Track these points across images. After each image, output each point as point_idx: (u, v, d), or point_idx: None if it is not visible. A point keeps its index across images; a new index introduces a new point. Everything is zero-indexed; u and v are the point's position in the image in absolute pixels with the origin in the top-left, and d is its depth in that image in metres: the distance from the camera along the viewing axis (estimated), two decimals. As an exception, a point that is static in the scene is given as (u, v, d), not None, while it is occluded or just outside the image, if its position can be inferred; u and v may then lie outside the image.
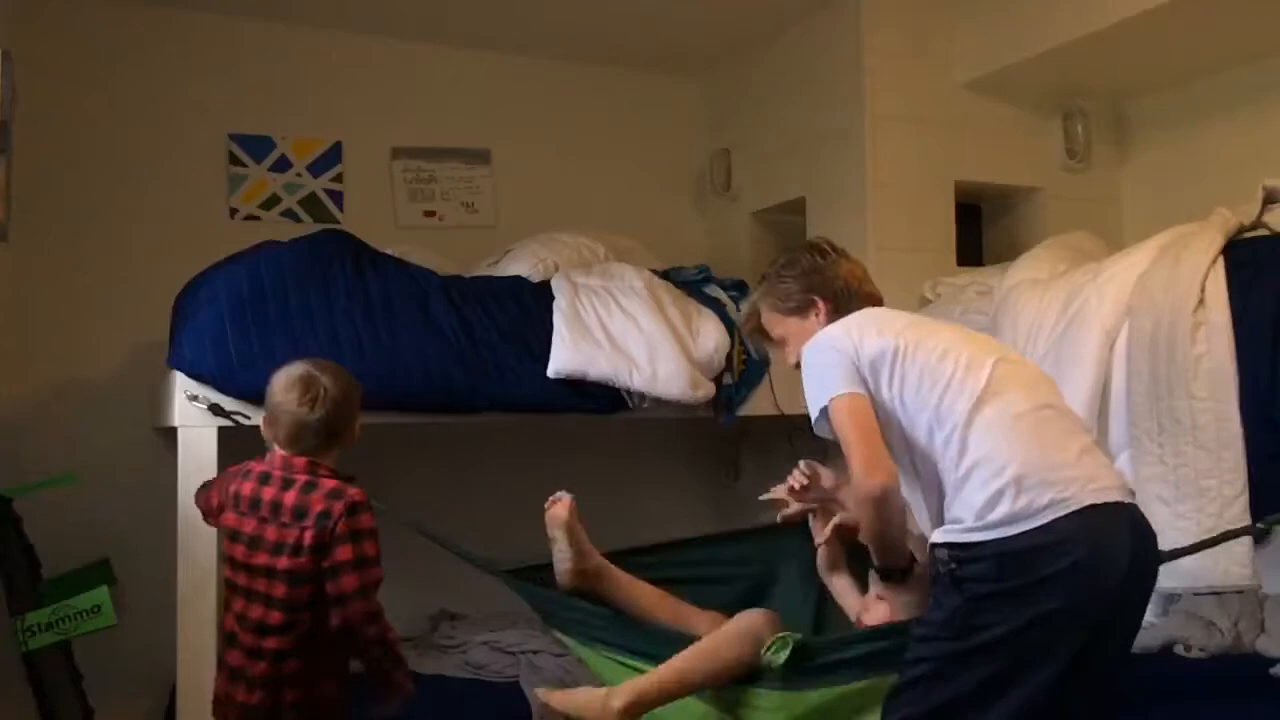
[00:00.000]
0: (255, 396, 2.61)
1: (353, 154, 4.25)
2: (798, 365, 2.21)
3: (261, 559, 2.15)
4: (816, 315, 2.21)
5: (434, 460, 4.01)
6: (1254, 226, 2.96)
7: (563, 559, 2.48)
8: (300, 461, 2.19)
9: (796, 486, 2.39)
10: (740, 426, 3.68)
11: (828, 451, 2.25)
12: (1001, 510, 1.84)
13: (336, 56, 4.24)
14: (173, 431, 2.92)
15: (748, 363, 3.45)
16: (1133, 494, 1.93)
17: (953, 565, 1.87)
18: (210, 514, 2.37)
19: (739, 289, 3.61)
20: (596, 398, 3.23)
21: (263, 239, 3.26)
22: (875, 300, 2.25)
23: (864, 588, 2.36)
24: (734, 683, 2.22)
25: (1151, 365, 2.80)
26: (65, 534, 3.31)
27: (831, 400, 1.95)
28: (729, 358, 3.38)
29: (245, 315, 2.89)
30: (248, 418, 2.79)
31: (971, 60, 3.96)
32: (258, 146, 4.11)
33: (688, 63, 4.73)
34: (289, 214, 4.13)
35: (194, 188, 3.98)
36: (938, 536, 1.93)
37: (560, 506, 2.48)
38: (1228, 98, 3.85)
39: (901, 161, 3.89)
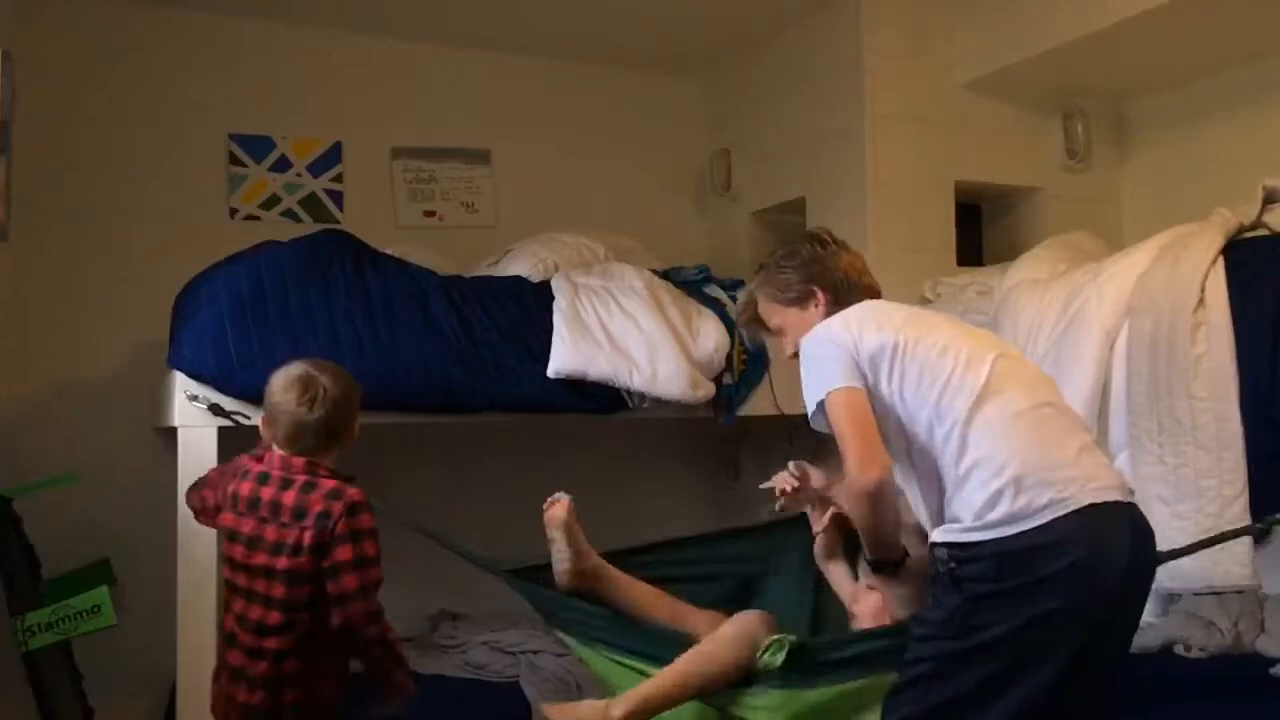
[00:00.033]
0: (255, 396, 2.61)
1: (353, 154, 4.25)
2: (794, 355, 2.21)
3: (261, 559, 2.15)
4: (816, 306, 2.20)
5: (434, 460, 4.01)
6: (1254, 226, 2.96)
7: (561, 559, 2.48)
8: (299, 462, 2.19)
9: (788, 489, 2.38)
10: (740, 426, 3.68)
11: (827, 450, 2.25)
12: (1001, 510, 1.84)
13: (336, 56, 4.24)
14: (173, 431, 2.92)
15: (748, 363, 3.45)
16: (1131, 493, 1.93)
17: (952, 565, 1.88)
18: (204, 513, 2.37)
19: (739, 289, 3.61)
20: (596, 398, 3.23)
21: (263, 239, 3.25)
22: (874, 292, 2.24)
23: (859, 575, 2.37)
24: (732, 685, 2.22)
25: (1151, 365, 2.80)
26: (65, 534, 3.31)
27: (828, 394, 1.95)
28: (729, 358, 3.38)
29: (245, 315, 2.89)
30: (248, 418, 2.78)
31: (971, 60, 3.96)
32: (258, 146, 4.11)
33: (688, 63, 4.72)
34: (289, 214, 4.13)
35: (194, 188, 3.98)
36: (937, 536, 1.93)
37: (559, 507, 2.48)
38: (1228, 98, 3.85)
39: (901, 161, 3.89)
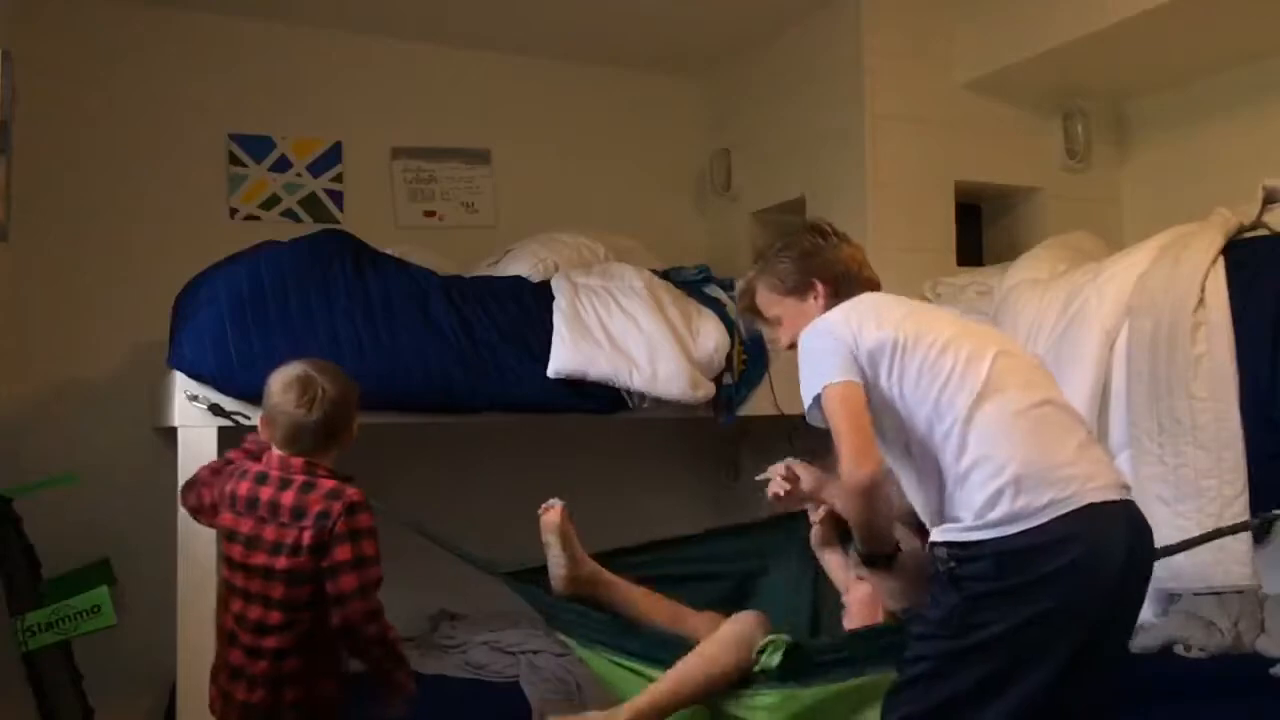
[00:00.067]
0: (255, 396, 2.60)
1: (353, 154, 4.25)
2: (790, 346, 2.21)
3: (259, 559, 2.15)
4: (815, 298, 2.18)
5: (434, 460, 4.01)
6: (1254, 226, 2.96)
7: (557, 565, 2.48)
8: (298, 462, 2.19)
9: (781, 494, 2.37)
10: (740, 426, 3.68)
11: (827, 450, 2.24)
12: (1001, 510, 1.84)
13: (336, 56, 4.24)
14: (173, 431, 2.92)
15: (748, 363, 3.45)
16: (1129, 489, 1.94)
17: (952, 564, 1.88)
18: (200, 511, 2.37)
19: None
20: (596, 398, 3.23)
21: (263, 239, 3.25)
22: (874, 285, 2.23)
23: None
24: (732, 686, 2.23)
25: (1151, 365, 2.80)
26: (65, 534, 3.31)
27: (825, 388, 1.94)
28: (729, 358, 3.38)
29: (245, 315, 2.89)
30: (247, 418, 2.78)
31: (971, 60, 3.96)
32: (258, 146, 4.11)
33: (688, 63, 4.72)
34: (289, 214, 4.13)
35: (194, 188, 3.98)
36: (937, 535, 1.94)
37: (553, 513, 2.48)
38: (1228, 98, 3.85)
39: (901, 161, 3.89)
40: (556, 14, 4.15)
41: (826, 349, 1.98)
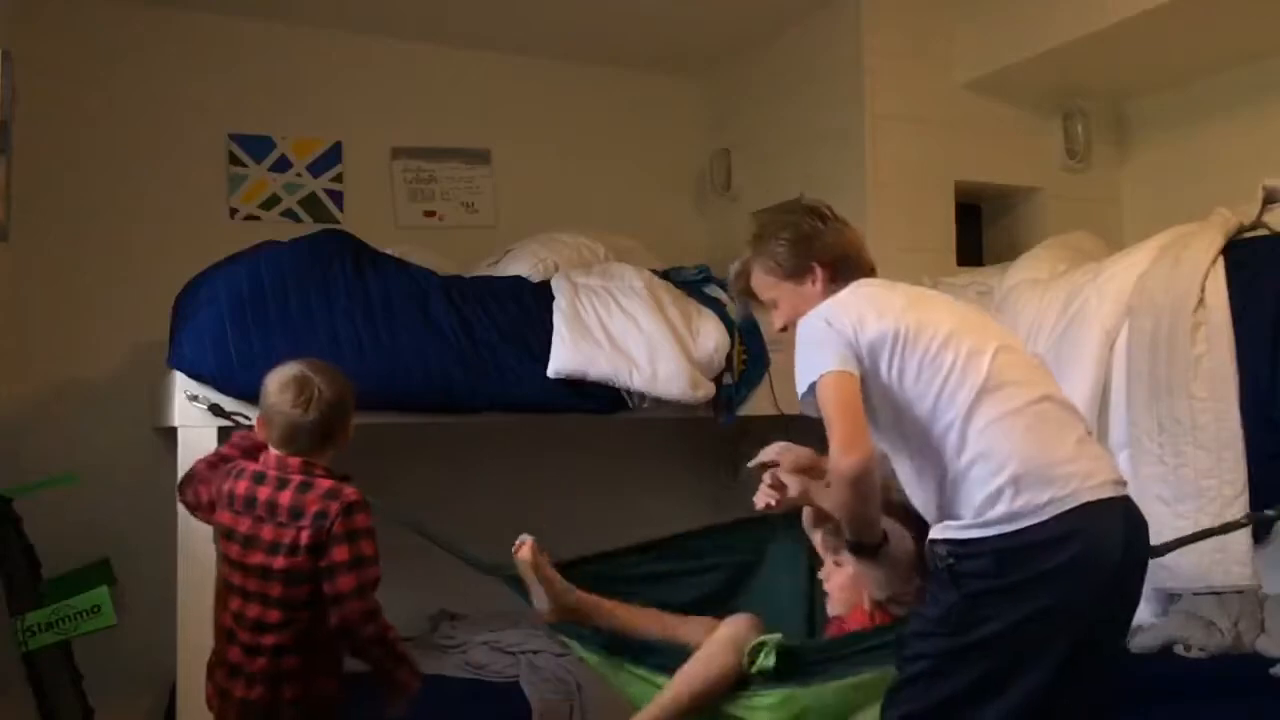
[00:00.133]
0: (255, 396, 2.57)
1: (353, 154, 4.25)
2: (784, 329, 2.20)
3: (257, 558, 2.15)
4: (813, 282, 2.16)
5: (434, 460, 4.01)
6: (1254, 226, 2.97)
7: (540, 601, 2.48)
8: (295, 462, 2.19)
9: (773, 503, 2.36)
10: (740, 426, 3.68)
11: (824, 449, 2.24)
12: (1001, 508, 1.85)
13: (336, 56, 4.24)
14: (173, 431, 2.92)
15: (748, 363, 3.45)
16: (1125, 484, 1.94)
17: (951, 561, 1.88)
18: (198, 508, 2.37)
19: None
20: (596, 398, 3.23)
21: (263, 239, 3.25)
22: (870, 268, 2.21)
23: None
24: (732, 688, 2.24)
25: (1151, 365, 2.80)
26: (65, 534, 3.31)
27: (820, 376, 1.93)
28: (729, 358, 3.38)
29: (245, 315, 2.89)
30: (247, 418, 2.78)
31: (971, 60, 3.96)
32: (258, 146, 4.11)
33: (688, 63, 4.72)
34: (289, 214, 4.13)
35: (194, 188, 3.98)
36: (936, 533, 1.94)
37: (525, 550, 2.46)
38: (1228, 98, 3.85)
39: (901, 161, 3.89)
40: (556, 14, 4.15)
41: (824, 338, 1.97)
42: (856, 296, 2.07)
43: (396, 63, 4.33)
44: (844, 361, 1.93)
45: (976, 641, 1.85)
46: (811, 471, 2.34)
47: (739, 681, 2.23)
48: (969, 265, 4.06)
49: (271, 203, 4.12)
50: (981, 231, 4.41)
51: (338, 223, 4.07)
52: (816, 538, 2.48)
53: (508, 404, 3.16)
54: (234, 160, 4.08)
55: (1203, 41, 3.58)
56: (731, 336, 3.39)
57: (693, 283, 3.61)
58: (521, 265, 3.57)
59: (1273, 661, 2.97)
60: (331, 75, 4.22)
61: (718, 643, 2.27)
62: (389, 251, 3.30)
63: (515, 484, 4.15)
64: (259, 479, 2.20)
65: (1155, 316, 2.82)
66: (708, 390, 3.32)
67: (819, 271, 2.16)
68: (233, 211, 4.06)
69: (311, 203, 4.18)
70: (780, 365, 3.41)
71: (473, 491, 4.02)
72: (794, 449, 2.37)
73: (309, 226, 3.84)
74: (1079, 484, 1.85)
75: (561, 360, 3.14)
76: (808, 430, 2.21)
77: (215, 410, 2.82)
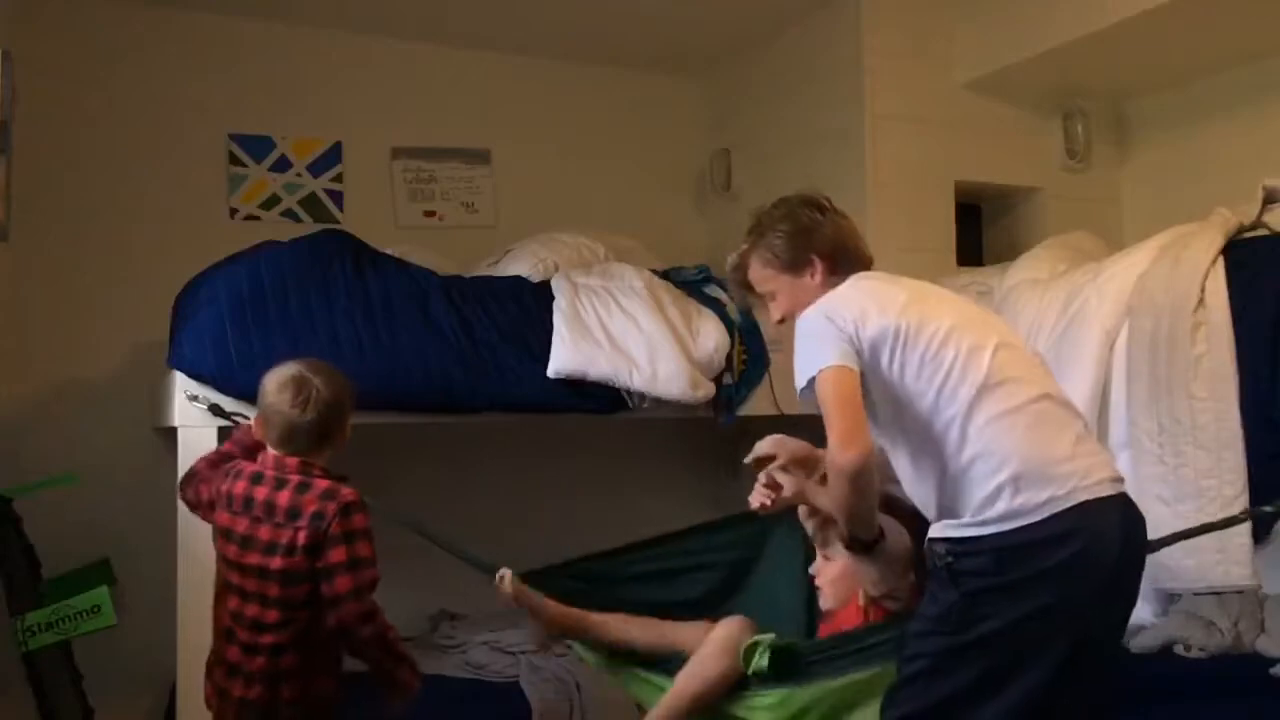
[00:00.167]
0: (255, 396, 2.58)
1: (353, 154, 4.25)
2: (782, 321, 2.19)
3: (254, 559, 2.15)
4: (812, 274, 2.16)
5: (434, 460, 4.01)
6: (1254, 226, 2.97)
7: (533, 630, 2.52)
8: (293, 462, 2.19)
9: (768, 503, 2.37)
10: (740, 426, 3.67)
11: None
12: (1000, 507, 1.85)
13: (336, 56, 4.24)
14: (173, 431, 2.92)
15: (748, 363, 3.45)
16: (1123, 481, 1.95)
17: (950, 559, 1.88)
18: (198, 506, 2.37)
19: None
20: (596, 398, 3.23)
21: (263, 239, 3.25)
22: (868, 260, 2.20)
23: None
24: (730, 690, 2.24)
25: (1151, 365, 2.80)
26: (65, 534, 3.31)
27: (820, 371, 1.92)
28: (729, 358, 3.38)
29: (245, 315, 2.88)
30: (247, 418, 2.77)
31: (971, 60, 3.96)
32: (258, 146, 4.11)
33: (688, 63, 4.72)
34: (289, 214, 4.13)
35: (194, 188, 3.98)
36: (935, 531, 1.94)
37: (505, 584, 2.48)
38: (1228, 98, 3.85)
39: (901, 161, 3.89)
40: (556, 14, 4.15)
41: (824, 333, 1.96)
42: (857, 291, 2.06)
43: (396, 63, 4.33)
44: (844, 356, 1.92)
45: (976, 640, 1.85)
46: (807, 463, 2.33)
47: (737, 683, 2.24)
48: (969, 265, 4.06)
49: (271, 203, 4.12)
50: (981, 231, 4.41)
51: (338, 223, 4.06)
52: (810, 526, 2.48)
53: (508, 404, 3.15)
54: (234, 160, 4.08)
55: (1203, 41, 3.59)
56: (731, 336, 3.39)
57: (693, 283, 3.61)
58: (521, 265, 3.57)
59: (1273, 661, 2.97)
60: (331, 75, 4.22)
61: (711, 647, 2.28)
62: (389, 251, 3.30)
63: (515, 484, 4.15)
64: (257, 479, 2.20)
65: (1155, 316, 2.82)
66: (708, 390, 3.32)
67: (818, 264, 2.15)
68: (233, 211, 4.06)
69: (311, 203, 4.18)
70: (780, 365, 3.41)
71: (473, 491, 4.02)
72: (790, 441, 2.36)
73: (309, 226, 3.84)
74: (1077, 482, 1.85)
75: (561, 360, 3.14)
76: (808, 430, 2.21)
77: (215, 410, 2.82)
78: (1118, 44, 3.57)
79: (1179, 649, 3.15)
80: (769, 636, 2.22)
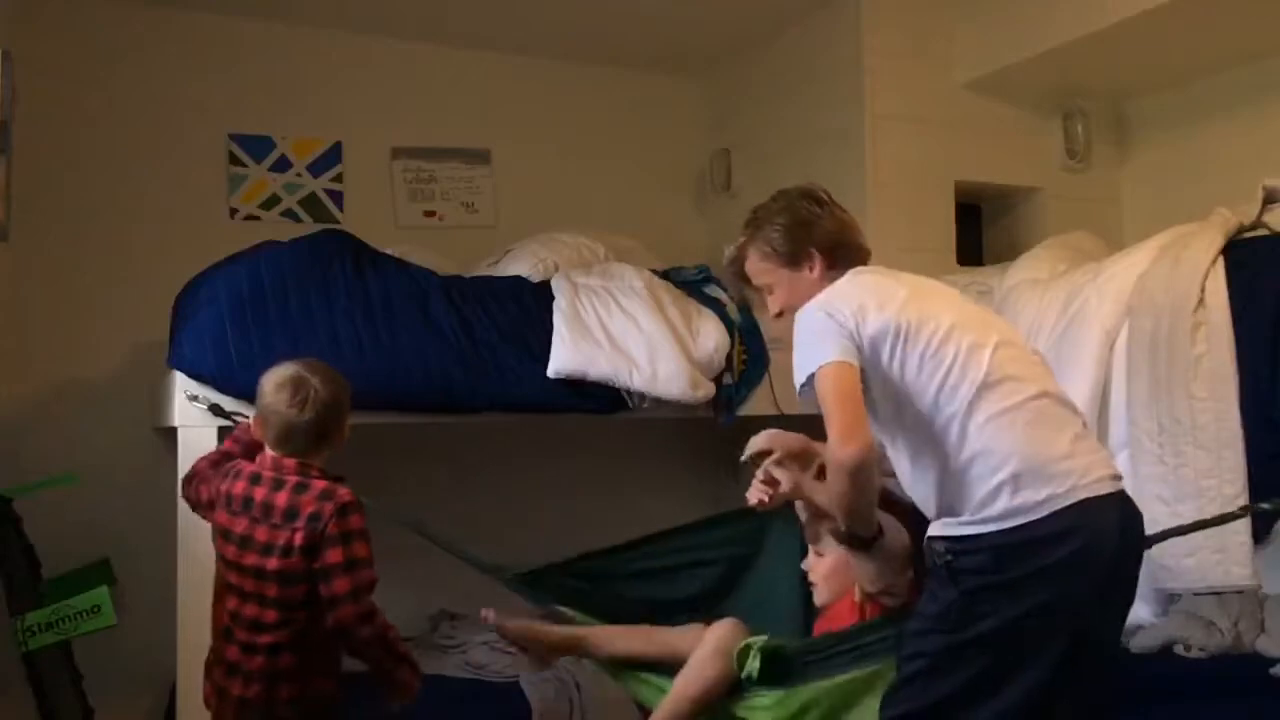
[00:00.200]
0: (255, 396, 2.60)
1: (353, 154, 4.25)
2: (779, 315, 2.18)
3: (251, 559, 2.15)
4: (810, 268, 2.15)
5: (434, 460, 4.01)
6: (1254, 226, 2.97)
7: (533, 660, 2.57)
8: (290, 463, 2.19)
9: (766, 499, 2.36)
10: (740, 426, 3.67)
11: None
12: (1000, 505, 1.85)
13: (336, 56, 4.24)
14: (173, 431, 2.92)
15: (748, 363, 3.45)
16: (1120, 478, 1.95)
17: (949, 557, 1.89)
18: (200, 505, 2.37)
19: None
20: (596, 398, 3.23)
21: (263, 239, 3.25)
22: (866, 253, 2.20)
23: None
24: (728, 692, 2.25)
25: (1151, 365, 2.80)
26: (65, 534, 3.31)
27: (820, 368, 1.91)
28: (729, 358, 3.38)
29: (245, 315, 2.88)
30: (247, 418, 2.77)
31: (971, 60, 3.96)
32: (258, 146, 4.11)
33: (688, 63, 4.72)
34: (289, 214, 4.13)
35: (194, 188, 3.98)
36: (935, 530, 1.94)
37: (490, 620, 2.53)
38: (1228, 98, 3.85)
39: (901, 161, 3.89)
40: (556, 14, 4.15)
41: (824, 329, 1.95)
42: (857, 286, 2.05)
43: (396, 63, 4.33)
44: (844, 353, 1.91)
45: (975, 638, 1.85)
46: (803, 457, 2.32)
47: (734, 685, 2.24)
48: (969, 265, 4.07)
49: (271, 203, 4.12)
50: (981, 231, 4.41)
51: (338, 223, 4.06)
52: (804, 517, 2.49)
53: (508, 404, 3.15)
54: (234, 160, 4.08)
55: (1203, 41, 3.59)
56: (731, 336, 3.39)
57: (693, 283, 3.61)
58: (521, 265, 3.57)
59: (1273, 661, 2.97)
60: (331, 75, 4.22)
61: (705, 650, 2.28)
62: (389, 251, 3.30)
63: (515, 484, 4.15)
64: (255, 480, 2.20)
65: (1155, 316, 2.82)
66: (708, 390, 3.32)
67: (817, 257, 2.14)
68: (233, 211, 4.06)
69: (311, 203, 4.18)
70: (780, 364, 3.41)
71: (473, 491, 4.02)
72: (784, 435, 2.36)
73: (309, 226, 3.84)
74: (1077, 480, 1.86)
75: (561, 360, 3.14)
76: (808, 430, 2.20)
77: (215, 410, 2.82)
78: (1118, 44, 3.57)
79: (1179, 649, 3.15)
80: (760, 639, 2.22)
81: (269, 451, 2.22)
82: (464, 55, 4.43)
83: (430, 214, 4.38)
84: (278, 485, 2.17)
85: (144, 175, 3.88)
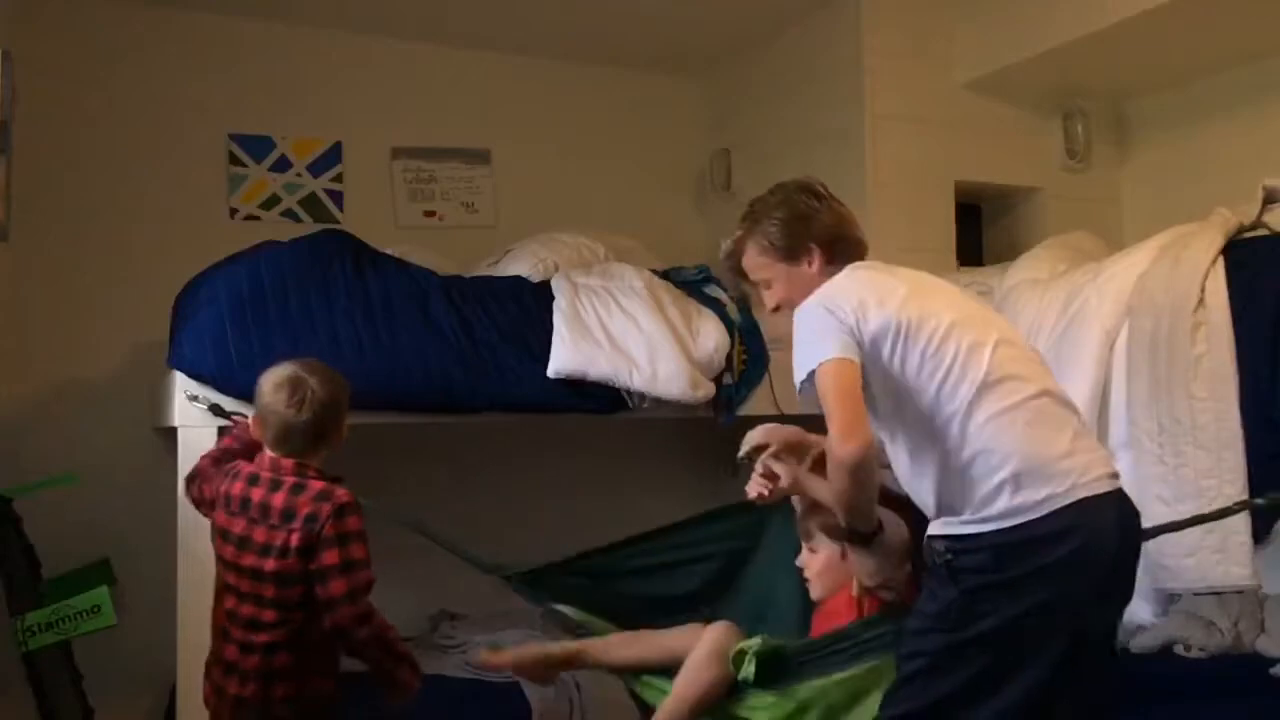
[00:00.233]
0: (254, 397, 2.60)
1: (353, 154, 4.25)
2: (776, 309, 2.17)
3: (249, 560, 2.15)
4: (809, 263, 2.12)
5: (434, 460, 4.01)
6: (1254, 226, 2.97)
7: (535, 678, 2.60)
8: (288, 463, 2.19)
9: (766, 493, 2.36)
10: (740, 426, 3.68)
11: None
12: (1000, 505, 1.86)
13: (336, 56, 4.24)
14: (173, 431, 2.92)
15: (748, 363, 3.44)
16: (1118, 476, 1.95)
17: (949, 556, 1.89)
18: (203, 504, 2.37)
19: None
20: (596, 398, 3.23)
21: (263, 239, 3.25)
22: (863, 247, 2.18)
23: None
24: (727, 695, 2.25)
25: (1151, 365, 2.80)
26: (65, 534, 3.31)
27: (820, 364, 1.89)
28: (729, 358, 3.38)
29: (245, 315, 2.88)
30: (247, 418, 2.78)
31: (971, 60, 3.96)
32: (258, 146, 4.11)
33: (688, 63, 4.72)
34: (289, 214, 4.13)
35: (194, 188, 3.98)
36: (935, 529, 1.94)
37: (487, 660, 2.58)
38: (1228, 98, 3.85)
39: (901, 161, 3.89)
40: (556, 14, 4.15)
41: (824, 325, 1.94)
42: (856, 282, 2.04)
43: (396, 63, 4.33)
44: (845, 349, 1.90)
45: (974, 637, 1.85)
46: (799, 449, 2.32)
47: (733, 686, 2.24)
48: (969, 265, 4.07)
49: (271, 203, 4.12)
50: (981, 231, 4.41)
51: (338, 223, 4.07)
52: (799, 510, 2.49)
53: (508, 404, 3.15)
54: (234, 160, 4.08)
55: (1203, 41, 3.59)
56: (731, 336, 3.39)
57: (693, 283, 3.61)
58: (521, 265, 3.57)
59: (1273, 661, 2.97)
60: (331, 75, 4.22)
61: (700, 654, 2.28)
62: (389, 251, 3.30)
63: (515, 484, 4.15)
64: (253, 480, 2.21)
65: (1155, 316, 2.82)
66: (708, 390, 3.31)
67: (816, 252, 2.12)
68: (233, 211, 4.06)
69: (311, 203, 4.18)
70: (780, 365, 3.41)
71: (473, 491, 4.02)
72: (780, 428, 2.36)
73: (309, 226, 3.84)
74: (1077, 479, 1.86)
75: (561, 360, 3.14)
76: (807, 430, 2.20)
77: (215, 410, 2.82)
78: (1118, 44, 3.57)
79: (1179, 649, 3.15)
80: (755, 642, 2.22)
81: (267, 452, 2.22)
82: (464, 55, 4.43)
83: (430, 214, 4.38)
84: (275, 486, 2.17)
85: (144, 175, 3.88)
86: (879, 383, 1.95)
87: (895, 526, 2.16)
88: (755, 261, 2.19)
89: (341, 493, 2.16)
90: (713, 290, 3.59)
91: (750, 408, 3.49)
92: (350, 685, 2.27)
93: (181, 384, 2.87)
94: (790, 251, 2.14)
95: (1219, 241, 2.86)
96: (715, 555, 2.75)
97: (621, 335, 3.23)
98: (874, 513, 2.01)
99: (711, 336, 3.36)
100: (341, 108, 4.23)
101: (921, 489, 2.00)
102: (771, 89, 4.42)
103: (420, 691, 2.26)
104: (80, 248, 3.76)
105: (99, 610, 2.67)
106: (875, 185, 3.84)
